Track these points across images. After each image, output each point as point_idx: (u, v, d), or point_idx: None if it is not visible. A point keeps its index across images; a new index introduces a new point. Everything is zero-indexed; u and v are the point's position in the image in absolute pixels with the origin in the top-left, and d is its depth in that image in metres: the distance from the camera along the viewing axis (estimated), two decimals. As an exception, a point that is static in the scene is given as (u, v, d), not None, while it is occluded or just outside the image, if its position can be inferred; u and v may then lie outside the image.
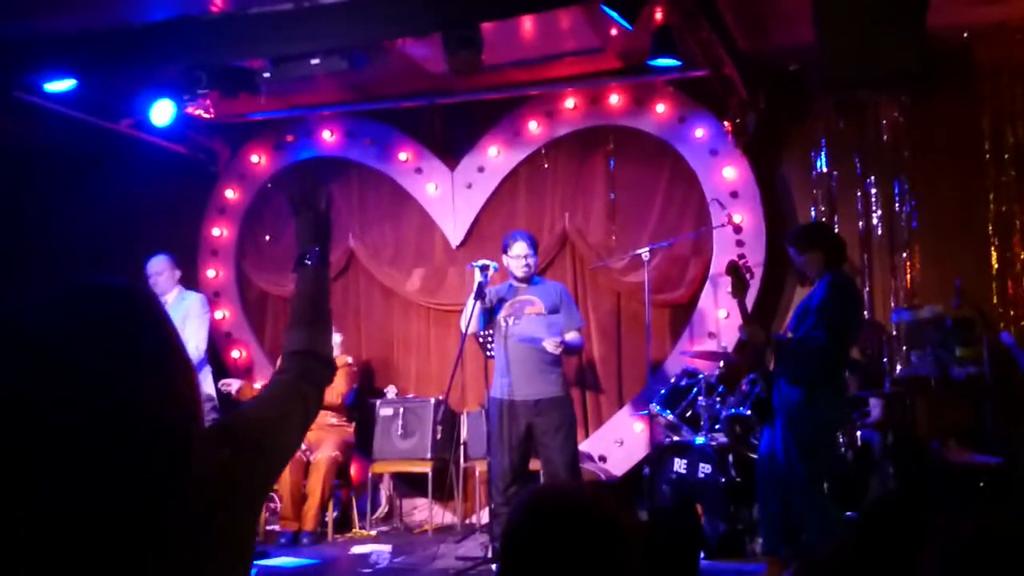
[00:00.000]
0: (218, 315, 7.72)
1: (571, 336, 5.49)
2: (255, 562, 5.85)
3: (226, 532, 1.46)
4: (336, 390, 6.45)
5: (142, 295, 1.54)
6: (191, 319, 6.32)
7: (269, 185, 7.82)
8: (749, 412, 5.45)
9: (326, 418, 6.40)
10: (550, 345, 5.27)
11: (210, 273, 7.87)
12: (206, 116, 6.26)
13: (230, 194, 7.87)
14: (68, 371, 1.39)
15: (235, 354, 7.68)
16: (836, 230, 6.54)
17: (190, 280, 7.49)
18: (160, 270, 6.41)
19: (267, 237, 7.85)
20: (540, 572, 1.45)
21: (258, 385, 6.60)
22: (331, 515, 6.50)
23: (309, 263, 1.92)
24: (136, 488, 1.38)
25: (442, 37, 5.21)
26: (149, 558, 1.38)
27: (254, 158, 7.79)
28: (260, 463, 1.55)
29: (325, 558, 5.79)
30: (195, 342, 6.36)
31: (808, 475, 4.56)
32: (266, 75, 5.77)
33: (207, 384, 6.57)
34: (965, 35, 6.14)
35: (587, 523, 1.48)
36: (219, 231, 7.89)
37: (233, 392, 6.42)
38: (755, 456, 5.34)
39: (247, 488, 1.51)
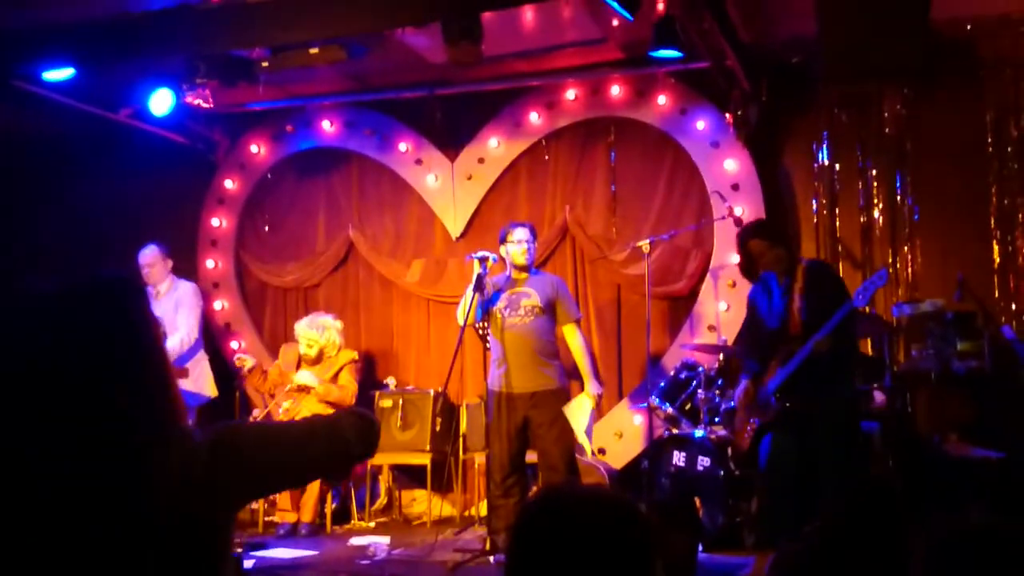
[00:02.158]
0: (217, 305, 7.72)
1: (571, 335, 5.55)
2: (254, 553, 5.78)
3: (189, 529, 1.47)
4: (350, 390, 6.43)
5: (127, 297, 1.56)
6: (182, 308, 6.39)
7: (269, 175, 7.81)
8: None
9: (327, 412, 6.39)
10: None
11: (209, 263, 7.85)
12: (205, 106, 6.24)
13: (229, 184, 7.85)
14: (43, 375, 1.43)
15: (234, 344, 7.66)
16: (837, 223, 6.57)
17: (189, 270, 7.50)
18: (151, 261, 6.48)
19: (266, 227, 7.84)
20: (550, 569, 1.38)
21: (269, 368, 6.60)
22: (329, 506, 6.49)
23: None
24: (101, 476, 1.41)
25: (442, 27, 5.19)
26: (107, 541, 1.40)
27: (253, 148, 7.76)
28: (240, 475, 1.56)
29: (323, 549, 5.78)
30: (184, 330, 6.41)
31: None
32: (265, 64, 5.75)
33: (203, 370, 6.57)
34: (968, 28, 6.10)
35: (611, 522, 1.40)
36: (218, 221, 7.87)
37: (245, 369, 6.39)
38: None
39: (218, 493, 1.51)
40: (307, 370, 6.41)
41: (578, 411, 5.39)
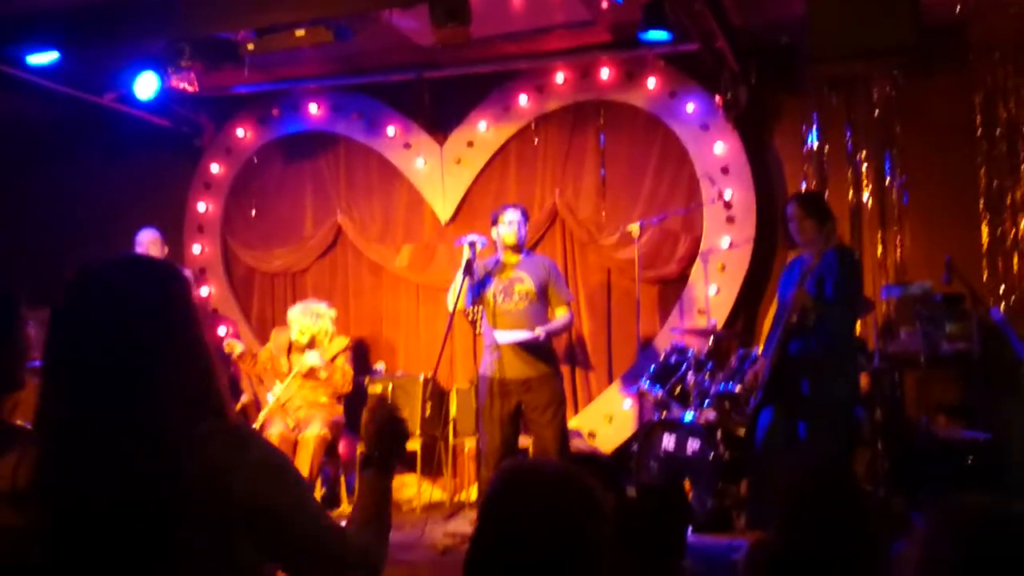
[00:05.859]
0: (204, 291, 7.68)
1: (561, 313, 5.46)
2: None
3: (201, 534, 1.44)
4: (347, 377, 6.40)
5: (184, 282, 1.59)
6: None
7: (255, 159, 7.75)
8: (737, 390, 5.44)
9: (317, 396, 6.35)
10: (536, 334, 5.23)
11: (196, 249, 7.81)
12: (190, 89, 6.18)
13: (215, 168, 7.79)
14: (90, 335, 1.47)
15: (221, 331, 7.61)
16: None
17: (176, 256, 7.45)
18: (151, 241, 6.38)
19: (253, 212, 7.79)
20: (514, 536, 1.52)
21: (258, 352, 6.55)
22: (320, 492, 6.48)
23: (372, 467, 1.84)
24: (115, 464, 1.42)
25: (429, 8, 5.14)
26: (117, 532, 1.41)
27: (239, 132, 7.70)
28: (250, 502, 1.49)
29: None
30: None
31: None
32: (250, 47, 5.69)
33: None
34: (958, 10, 6.08)
35: (562, 493, 1.54)
36: (205, 206, 7.82)
37: (235, 354, 6.34)
38: (742, 432, 5.33)
39: (235, 503, 1.46)
40: (315, 352, 6.34)
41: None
